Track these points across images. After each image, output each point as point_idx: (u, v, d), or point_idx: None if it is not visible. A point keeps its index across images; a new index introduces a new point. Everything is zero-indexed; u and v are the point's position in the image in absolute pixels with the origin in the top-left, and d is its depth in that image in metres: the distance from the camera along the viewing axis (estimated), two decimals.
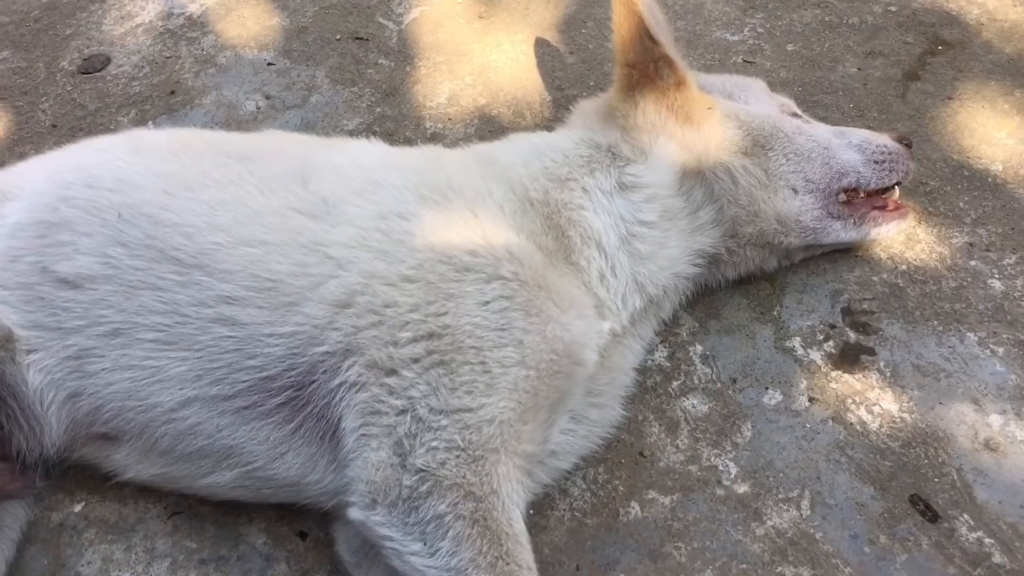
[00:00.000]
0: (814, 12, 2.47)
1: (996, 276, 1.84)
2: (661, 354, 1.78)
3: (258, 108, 2.30)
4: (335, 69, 2.39)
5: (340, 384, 1.40)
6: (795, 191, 1.72)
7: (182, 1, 2.61)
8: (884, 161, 1.82)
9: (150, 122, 2.27)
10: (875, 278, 1.86)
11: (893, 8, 2.45)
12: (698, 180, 1.68)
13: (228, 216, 1.48)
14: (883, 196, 1.86)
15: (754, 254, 1.79)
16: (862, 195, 1.83)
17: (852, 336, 1.77)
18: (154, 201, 1.50)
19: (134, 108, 2.31)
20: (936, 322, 1.77)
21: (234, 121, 2.27)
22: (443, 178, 1.57)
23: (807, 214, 1.74)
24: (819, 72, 2.29)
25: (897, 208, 1.86)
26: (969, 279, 1.84)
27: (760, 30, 2.43)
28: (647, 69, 1.69)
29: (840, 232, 1.79)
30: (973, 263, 1.86)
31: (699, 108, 1.71)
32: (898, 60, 2.30)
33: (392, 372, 1.37)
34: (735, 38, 2.41)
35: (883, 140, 1.85)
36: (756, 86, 1.92)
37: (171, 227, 1.47)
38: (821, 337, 1.78)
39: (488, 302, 1.42)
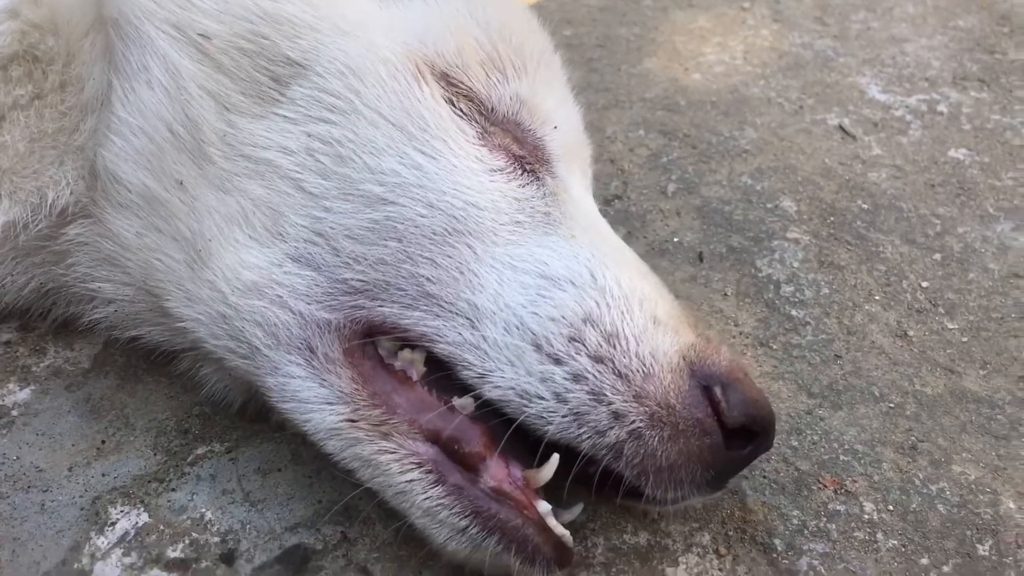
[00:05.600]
0: None
1: None
2: None
3: None
4: None
5: None
6: (278, 235, 0.83)
7: None
8: (583, 385, 0.81)
9: None
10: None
11: None
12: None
13: None
14: (504, 459, 0.83)
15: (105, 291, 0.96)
16: (433, 405, 0.84)
17: None
18: None
19: None
20: None
21: None
22: None
23: (268, 305, 0.82)
24: None
25: (522, 510, 0.81)
26: None
27: None
28: None
29: (313, 410, 0.83)
30: None
31: None
32: None
33: None
34: None
35: (645, 342, 0.83)
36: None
37: None
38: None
39: None
